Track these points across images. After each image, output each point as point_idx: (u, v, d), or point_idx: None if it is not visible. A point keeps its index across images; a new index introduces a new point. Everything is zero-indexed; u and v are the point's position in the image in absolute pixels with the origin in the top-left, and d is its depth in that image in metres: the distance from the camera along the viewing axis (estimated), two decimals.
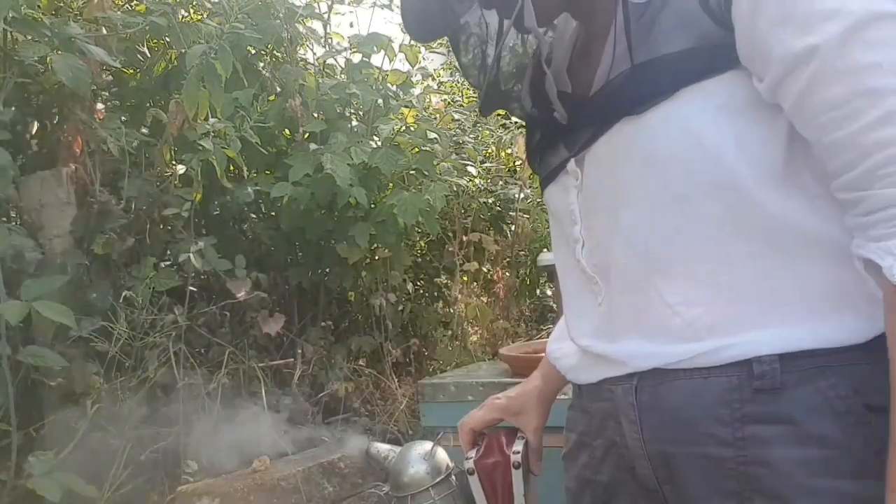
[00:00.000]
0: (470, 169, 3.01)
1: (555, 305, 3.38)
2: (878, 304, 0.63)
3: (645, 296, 0.74)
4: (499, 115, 3.32)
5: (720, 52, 0.67)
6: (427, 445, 1.09)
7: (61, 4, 2.27)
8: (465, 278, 3.15)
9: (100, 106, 2.21)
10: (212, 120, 2.13)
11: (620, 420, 0.79)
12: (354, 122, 2.65)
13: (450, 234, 3.01)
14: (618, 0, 0.71)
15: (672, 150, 0.69)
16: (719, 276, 0.70)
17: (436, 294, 3.23)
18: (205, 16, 2.40)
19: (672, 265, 0.72)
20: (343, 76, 2.71)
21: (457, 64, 0.86)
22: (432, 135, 2.56)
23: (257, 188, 2.38)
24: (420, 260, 3.16)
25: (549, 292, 3.53)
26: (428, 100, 3.05)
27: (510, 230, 3.35)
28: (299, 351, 2.51)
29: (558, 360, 0.94)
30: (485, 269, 3.21)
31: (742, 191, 0.68)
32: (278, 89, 2.63)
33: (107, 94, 2.37)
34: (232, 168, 2.50)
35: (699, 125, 0.68)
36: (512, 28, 0.76)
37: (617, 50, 0.72)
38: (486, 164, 3.37)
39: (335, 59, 2.81)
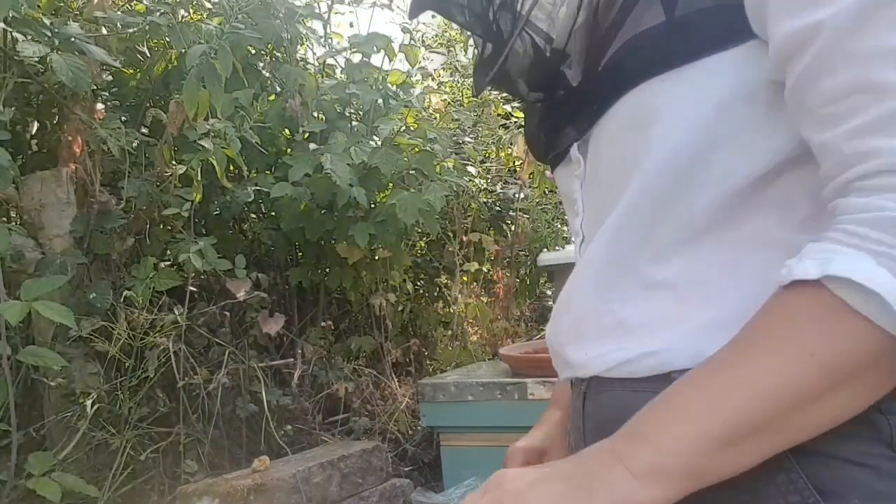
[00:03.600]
0: (470, 169, 3.01)
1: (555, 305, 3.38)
2: None
3: (600, 298, 0.67)
4: (499, 114, 3.32)
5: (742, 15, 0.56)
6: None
7: (61, 4, 2.27)
8: (465, 278, 3.15)
9: (100, 106, 2.21)
10: (212, 120, 2.13)
11: (571, 422, 0.77)
12: (354, 122, 2.65)
13: (450, 234, 3.01)
14: None
15: (687, 127, 0.58)
16: (678, 281, 0.63)
17: (436, 294, 3.23)
18: (205, 16, 2.40)
19: (631, 269, 0.65)
20: (343, 76, 2.71)
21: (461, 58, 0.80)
22: (432, 135, 2.56)
23: (257, 188, 2.38)
24: (420, 260, 3.17)
25: (548, 292, 3.54)
26: (428, 100, 3.05)
27: (510, 230, 3.35)
28: (299, 351, 2.51)
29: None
30: (485, 269, 3.21)
31: (732, 191, 0.59)
32: (278, 89, 2.64)
33: (107, 94, 2.37)
34: (232, 168, 2.50)
35: (720, 102, 0.57)
36: None
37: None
38: (486, 164, 3.37)
39: (335, 59, 2.81)
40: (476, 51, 0.76)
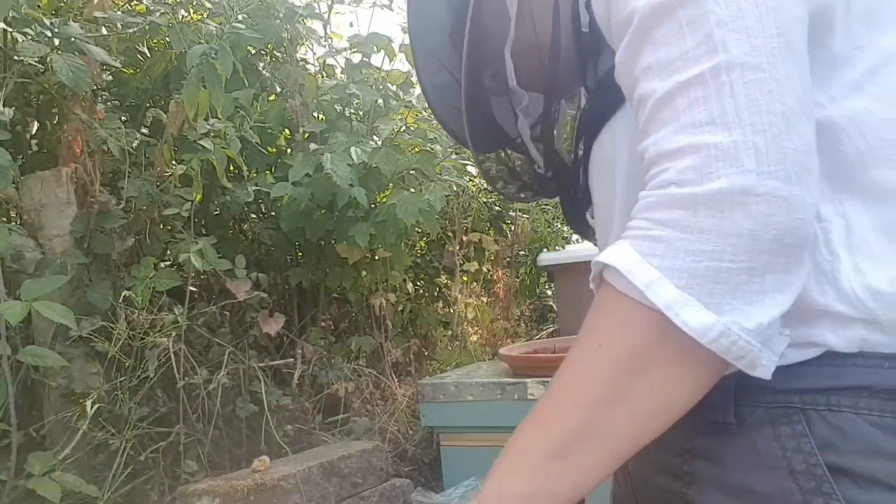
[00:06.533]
0: (470, 169, 3.01)
1: (555, 305, 3.38)
2: None
3: None
4: None
5: None
6: None
7: (61, 4, 2.27)
8: (465, 278, 3.15)
9: (100, 106, 2.21)
10: (212, 120, 2.13)
11: None
12: (354, 122, 2.65)
13: (450, 234, 3.01)
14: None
15: (629, 161, 0.63)
16: None
17: (436, 294, 3.23)
18: (205, 16, 2.40)
19: None
20: (343, 76, 2.71)
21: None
22: (432, 135, 2.56)
23: (257, 188, 2.38)
24: (420, 260, 3.17)
25: (549, 292, 3.54)
26: None
27: (510, 230, 3.35)
28: (299, 351, 2.51)
29: None
30: (485, 269, 3.21)
31: None
32: (278, 89, 2.64)
33: (107, 94, 2.37)
34: (232, 168, 2.50)
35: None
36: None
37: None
38: None
39: (335, 59, 2.81)
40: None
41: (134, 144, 2.13)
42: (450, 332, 3.05)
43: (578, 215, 0.79)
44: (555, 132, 0.79)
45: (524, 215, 3.30)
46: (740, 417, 0.57)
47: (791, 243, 0.49)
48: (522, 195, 0.88)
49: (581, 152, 0.71)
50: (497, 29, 0.70)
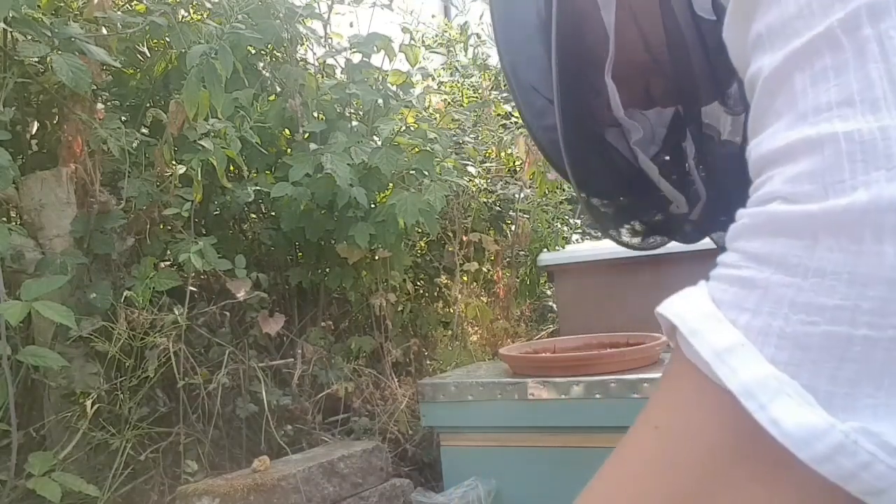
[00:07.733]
0: (470, 169, 3.01)
1: (555, 305, 3.38)
2: None
3: None
4: (498, 114, 3.32)
5: None
6: None
7: (61, 4, 2.27)
8: (465, 278, 3.15)
9: (100, 106, 2.21)
10: (212, 120, 2.13)
11: None
12: (354, 122, 2.65)
13: (450, 234, 3.01)
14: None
15: None
16: None
17: (436, 294, 3.23)
18: (205, 16, 2.40)
19: None
20: (343, 76, 2.71)
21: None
22: (432, 135, 2.56)
23: (257, 188, 2.38)
24: (420, 260, 3.17)
25: (548, 292, 3.53)
26: (428, 100, 3.05)
27: (510, 230, 3.35)
28: (299, 351, 2.51)
29: None
30: (485, 269, 3.21)
31: None
32: (278, 89, 2.64)
33: (107, 94, 2.37)
34: (232, 168, 2.50)
35: None
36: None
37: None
38: (486, 164, 3.37)
39: (335, 59, 2.81)
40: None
41: (134, 144, 2.13)
42: (450, 332, 3.05)
43: None
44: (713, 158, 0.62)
45: (524, 215, 3.30)
46: None
47: None
48: (657, 242, 0.70)
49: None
50: (596, 43, 0.55)
